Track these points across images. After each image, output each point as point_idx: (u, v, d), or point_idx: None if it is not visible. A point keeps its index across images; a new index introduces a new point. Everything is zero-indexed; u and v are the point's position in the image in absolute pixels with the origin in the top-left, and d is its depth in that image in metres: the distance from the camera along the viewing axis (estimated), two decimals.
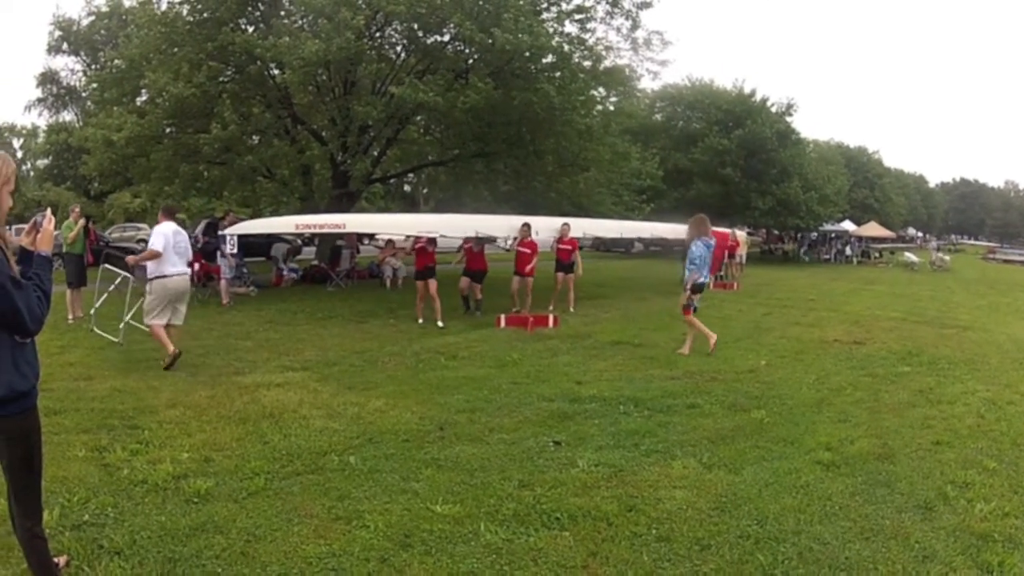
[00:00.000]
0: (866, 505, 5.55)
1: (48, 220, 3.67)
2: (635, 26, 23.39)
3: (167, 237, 10.27)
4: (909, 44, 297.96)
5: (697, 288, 12.09)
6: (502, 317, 14.86)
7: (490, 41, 18.49)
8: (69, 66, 48.14)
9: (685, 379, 10.07)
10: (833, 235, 56.23)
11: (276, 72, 21.27)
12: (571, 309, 17.27)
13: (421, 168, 27.85)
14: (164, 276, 10.26)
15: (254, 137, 23.00)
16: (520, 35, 18.45)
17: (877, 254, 54.36)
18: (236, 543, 4.66)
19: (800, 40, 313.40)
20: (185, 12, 20.67)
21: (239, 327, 13.85)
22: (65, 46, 44.82)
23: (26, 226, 3.72)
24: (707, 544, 4.80)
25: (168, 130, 21.56)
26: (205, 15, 20.45)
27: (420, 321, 14.69)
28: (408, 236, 16.68)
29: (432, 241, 15.17)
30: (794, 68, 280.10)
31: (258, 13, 22.01)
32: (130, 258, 11.72)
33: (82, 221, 14.97)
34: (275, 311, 16.09)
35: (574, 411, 8.19)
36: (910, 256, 46.91)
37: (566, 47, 20.87)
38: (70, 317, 14.22)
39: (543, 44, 19.26)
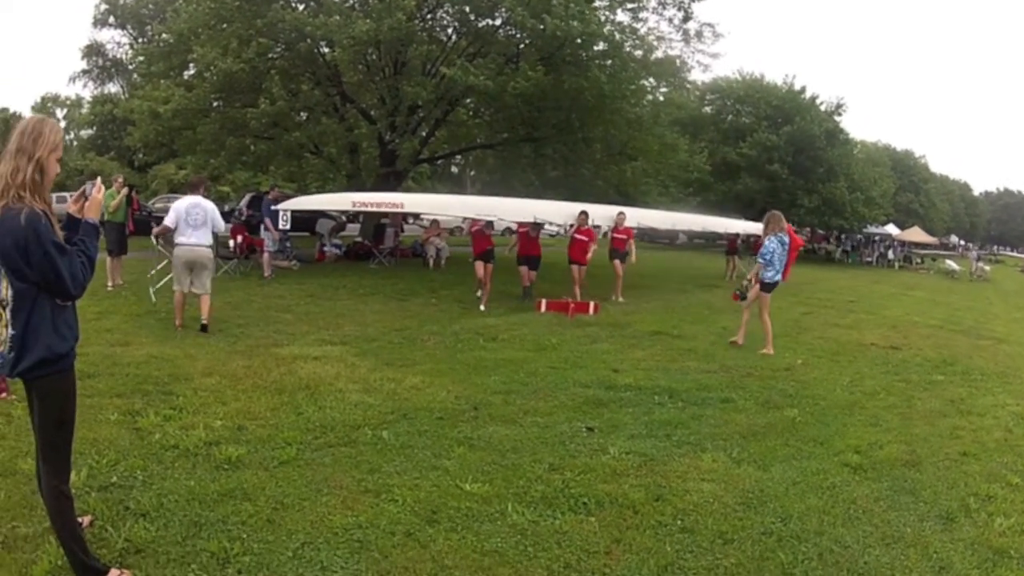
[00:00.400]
0: (889, 511, 5.55)
1: (97, 189, 3.81)
2: (687, 17, 23.53)
3: (178, 212, 10.91)
4: (961, 49, 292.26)
5: (767, 287, 12.12)
6: (543, 301, 14.90)
7: (541, 27, 18.51)
8: (115, 39, 48.89)
9: (721, 373, 10.09)
10: (876, 238, 55.61)
11: (326, 50, 21.39)
12: (619, 298, 17.25)
13: (469, 150, 27.93)
14: (176, 246, 10.99)
15: (302, 114, 23.21)
16: (571, 22, 18.44)
17: (919, 260, 53.65)
18: (263, 510, 4.73)
19: (852, 39, 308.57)
20: None
21: (280, 300, 14.03)
22: (112, 19, 45.43)
23: (70, 194, 3.82)
24: (730, 538, 4.85)
25: (215, 104, 21.78)
26: None
27: (479, 294, 15.06)
28: (465, 218, 16.69)
29: (490, 224, 15.27)
30: (844, 67, 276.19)
31: None
32: (155, 230, 12.28)
33: (125, 190, 15.23)
34: (316, 286, 16.26)
35: (609, 398, 8.26)
36: (951, 264, 46.29)
37: (617, 35, 20.83)
38: (110, 284, 14.36)
39: (594, 31, 19.30)
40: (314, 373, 8.40)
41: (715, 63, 41.22)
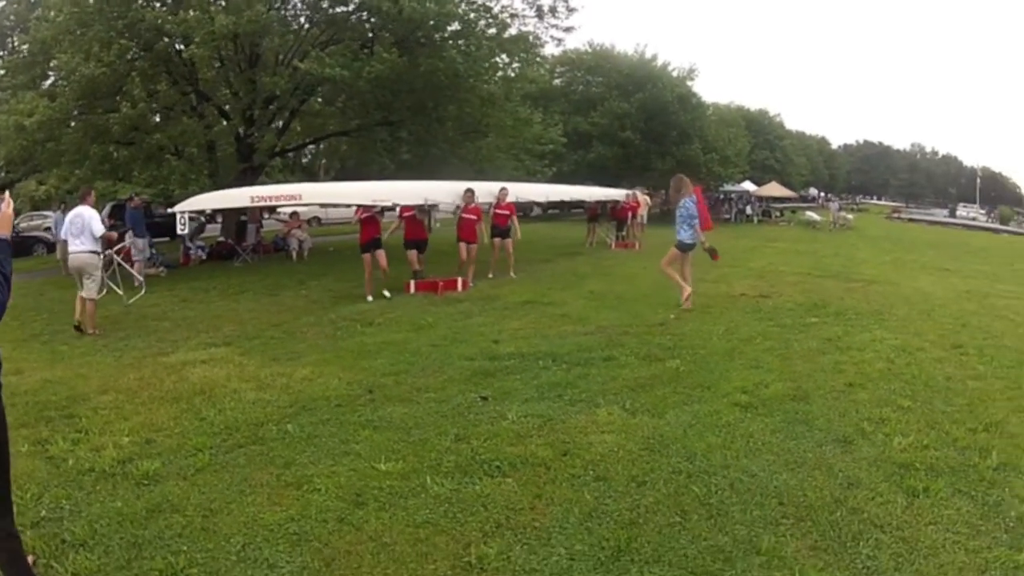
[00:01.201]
0: (787, 441, 5.90)
1: (7, 204, 3.64)
2: None
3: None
4: (814, 7, 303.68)
5: (687, 247, 12.41)
6: (411, 283, 14.98)
7: (398, 11, 18.51)
8: None
9: (598, 334, 10.36)
10: (734, 195, 57.28)
11: (182, 48, 20.87)
12: (512, 274, 17.04)
13: (324, 138, 27.66)
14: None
15: (158, 116, 22.65)
16: (427, 3, 18.53)
17: (778, 213, 55.71)
18: (195, 519, 4.70)
19: (704, 3, 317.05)
20: None
21: (155, 308, 13.73)
22: None
23: None
24: (643, 480, 5.09)
25: (77, 112, 21.05)
26: None
27: (370, 299, 14.02)
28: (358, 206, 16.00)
29: (382, 212, 15.02)
30: (696, 32, 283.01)
31: None
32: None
33: None
34: (187, 289, 16.05)
35: (495, 368, 8.41)
36: (811, 215, 48.27)
37: (471, 15, 20.98)
38: None
39: (449, 12, 19.39)
40: (205, 377, 8.30)
41: (569, 37, 42.07)
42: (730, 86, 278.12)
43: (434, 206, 16.08)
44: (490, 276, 16.72)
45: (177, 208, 14.83)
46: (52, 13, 20.74)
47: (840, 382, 7.76)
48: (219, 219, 27.57)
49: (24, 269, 16.26)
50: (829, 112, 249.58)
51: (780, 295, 14.14)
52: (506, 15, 23.18)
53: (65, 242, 12.40)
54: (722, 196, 58.44)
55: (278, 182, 41.13)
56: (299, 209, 25.65)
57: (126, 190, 28.66)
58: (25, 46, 22.73)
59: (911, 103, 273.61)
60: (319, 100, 24.78)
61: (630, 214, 26.69)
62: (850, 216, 49.70)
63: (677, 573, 3.95)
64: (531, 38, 24.46)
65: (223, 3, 19.58)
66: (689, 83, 48.67)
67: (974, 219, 75.22)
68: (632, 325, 10.96)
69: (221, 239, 25.10)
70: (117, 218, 23.55)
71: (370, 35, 22.37)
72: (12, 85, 22.69)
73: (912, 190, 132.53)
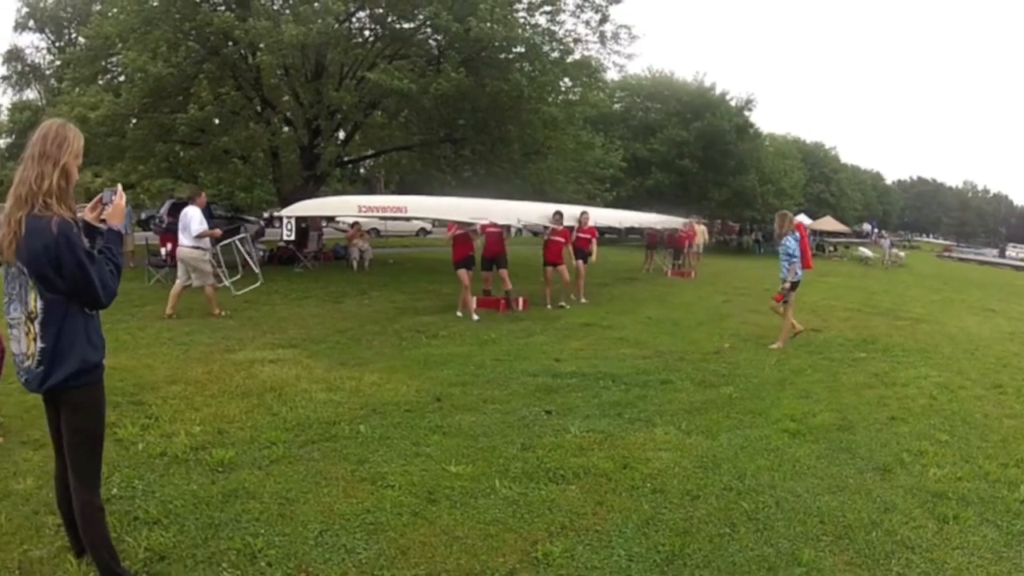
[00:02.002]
0: (831, 466, 6.24)
1: (119, 195, 3.76)
2: (604, 19, 23.92)
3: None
4: (871, 43, 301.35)
5: (794, 285, 12.13)
6: (473, 299, 15.28)
7: (466, 30, 18.95)
8: (34, 43, 47.34)
9: (655, 358, 10.73)
10: None
11: (248, 54, 21.30)
12: (582, 300, 16.95)
13: (388, 152, 28.11)
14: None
15: (225, 119, 23.06)
16: (495, 27, 18.93)
17: (832, 248, 55.28)
18: (271, 506, 4.92)
19: (763, 35, 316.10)
20: None
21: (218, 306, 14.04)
22: (31, 23, 44.13)
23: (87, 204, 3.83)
24: (696, 495, 5.45)
25: (142, 109, 21.49)
26: None
27: (460, 314, 14.03)
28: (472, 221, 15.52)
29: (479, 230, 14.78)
30: (755, 62, 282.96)
31: None
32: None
33: None
34: (250, 291, 16.21)
35: (557, 385, 8.78)
36: (864, 251, 47.74)
37: (536, 39, 21.32)
38: None
39: (516, 35, 19.74)
40: (274, 375, 8.61)
41: (630, 64, 42.11)
42: (787, 117, 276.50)
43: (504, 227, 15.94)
44: (575, 298, 16.75)
45: (284, 212, 14.99)
46: (115, 9, 21.19)
47: (884, 415, 8.07)
48: (278, 224, 28.00)
49: None
50: (884, 147, 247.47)
51: (831, 329, 14.40)
52: (570, 40, 23.57)
53: (126, 235, 13.73)
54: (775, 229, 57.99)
55: (337, 192, 41.81)
56: (360, 220, 26.11)
57: (184, 189, 29.17)
58: (82, 39, 23.18)
59: (964, 140, 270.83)
60: (380, 113, 25.18)
61: (687, 243, 26.88)
62: (902, 253, 49.18)
63: None
64: (593, 63, 24.72)
65: (291, 14, 19.94)
66: (747, 113, 48.62)
67: (1023, 260, 74.05)
68: (688, 351, 11.33)
69: (281, 243, 25.59)
70: (177, 215, 24.08)
71: (436, 52, 22.76)
72: (74, 78, 23.20)
73: (963, 228, 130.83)
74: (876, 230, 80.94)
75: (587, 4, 23.41)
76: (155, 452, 5.83)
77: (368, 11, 22.15)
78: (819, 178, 69.45)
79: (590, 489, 5.47)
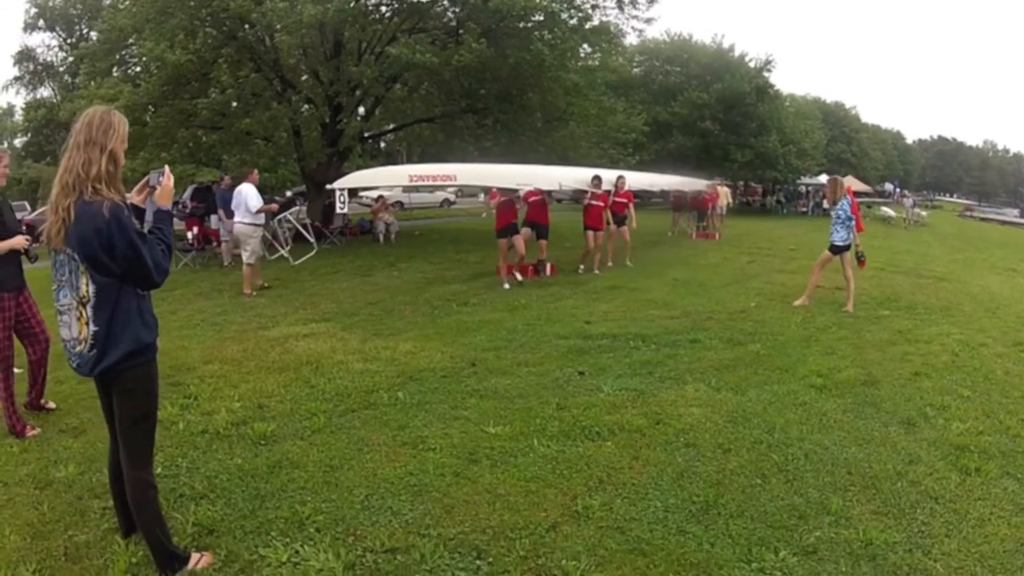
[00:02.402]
0: (856, 420, 6.43)
1: (167, 176, 3.81)
2: None
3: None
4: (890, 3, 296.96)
5: (838, 249, 12.10)
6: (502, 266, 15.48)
7: (487, 2, 19.02)
8: (45, 42, 47.74)
9: (683, 318, 10.92)
10: (810, 188, 56.69)
11: (265, 36, 21.46)
12: (628, 263, 17.18)
13: (412, 124, 28.15)
14: None
15: (246, 101, 23.17)
16: None
17: None
18: (316, 474, 5.07)
19: None
20: None
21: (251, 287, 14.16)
22: (41, 22, 44.46)
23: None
24: (728, 448, 5.66)
25: (162, 97, 21.66)
26: None
27: (507, 286, 13.83)
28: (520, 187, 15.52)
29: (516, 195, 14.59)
30: (773, 23, 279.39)
31: None
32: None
33: None
34: (277, 268, 16.48)
35: (588, 347, 8.99)
36: (886, 211, 47.40)
37: (555, 6, 21.29)
38: None
39: (535, 4, 19.73)
40: (310, 349, 8.76)
41: (649, 28, 41.67)
42: (807, 77, 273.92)
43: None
44: (609, 264, 16.88)
45: (336, 185, 15.08)
46: (128, 2, 21.40)
47: (907, 371, 8.21)
48: (302, 201, 28.16)
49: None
50: (904, 106, 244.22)
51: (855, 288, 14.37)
52: (588, 5, 23.44)
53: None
54: (801, 189, 57.87)
55: (359, 167, 41.97)
56: (384, 193, 26.24)
57: (205, 174, 29.38)
58: (94, 33, 23.25)
59: (984, 99, 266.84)
60: (401, 87, 25.16)
61: (711, 205, 26.88)
62: (924, 213, 48.72)
63: (758, 526, 4.49)
64: (612, 28, 24.65)
65: None
66: (766, 74, 48.15)
67: None
68: (715, 311, 11.49)
69: (306, 221, 25.73)
70: (200, 200, 24.25)
71: (454, 24, 22.77)
72: (90, 72, 23.44)
73: (984, 188, 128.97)
74: (898, 190, 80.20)
75: None
76: (196, 430, 5.97)
77: None
78: (840, 138, 68.87)
79: (625, 445, 5.68)
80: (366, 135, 26.32)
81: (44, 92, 50.65)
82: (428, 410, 6.47)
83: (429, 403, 6.67)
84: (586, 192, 16.00)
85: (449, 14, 23.19)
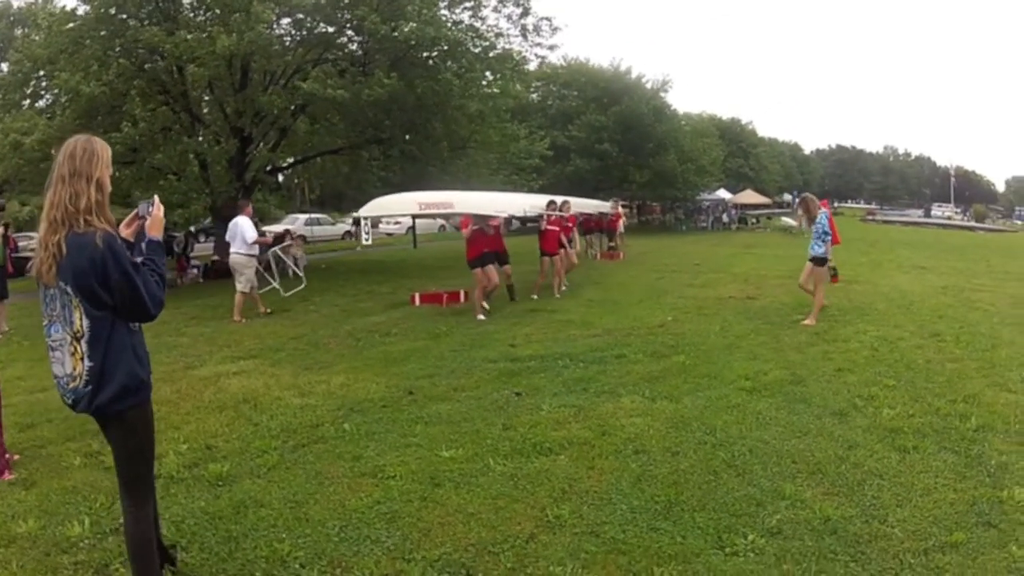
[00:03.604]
0: (791, 416, 6.84)
1: (158, 206, 3.78)
2: (525, 12, 24.46)
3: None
4: (781, 15, 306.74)
5: (822, 261, 11.93)
6: (416, 295, 15.62)
7: (394, 33, 19.20)
8: None
9: (605, 336, 11.24)
10: (707, 204, 58.11)
11: (175, 68, 21.18)
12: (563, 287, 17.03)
13: (318, 156, 27.98)
14: None
15: (158, 136, 22.75)
16: (425, 28, 19.26)
17: (754, 220, 56.55)
18: (283, 511, 5.01)
19: (674, 16, 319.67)
20: (88, 10, 20.21)
21: (167, 325, 13.64)
22: None
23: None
24: (676, 451, 5.96)
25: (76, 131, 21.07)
26: (111, 11, 19.97)
27: (481, 317, 13.34)
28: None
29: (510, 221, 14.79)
30: (669, 45, 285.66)
31: (158, 8, 21.31)
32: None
33: (0, 230, 13.98)
34: (193, 307, 16.22)
35: (519, 368, 9.18)
36: (787, 220, 48.88)
37: (460, 36, 21.57)
38: None
39: (444, 35, 19.99)
40: (244, 386, 8.63)
41: (552, 55, 42.05)
42: (702, 96, 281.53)
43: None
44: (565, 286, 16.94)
45: (360, 213, 14.47)
46: (41, 34, 20.93)
47: (830, 368, 8.73)
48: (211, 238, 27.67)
49: (20, 289, 16.24)
50: (801, 118, 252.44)
51: (766, 297, 15.10)
52: (492, 34, 23.88)
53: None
54: (699, 206, 59.30)
55: (259, 202, 41.50)
56: (290, 227, 26.00)
57: (115, 211, 28.62)
58: (4, 64, 22.65)
59: (882, 106, 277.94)
60: (306, 119, 25.04)
61: (616, 225, 27.40)
62: None
63: (722, 516, 4.78)
64: (516, 56, 25.09)
65: (221, 24, 19.72)
66: (663, 95, 49.69)
67: (949, 218, 76.67)
68: (634, 327, 11.83)
69: (215, 258, 25.24)
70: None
71: (360, 54, 22.88)
72: (4, 103, 22.67)
73: (886, 192, 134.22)
74: (798, 199, 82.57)
75: None
76: None
77: (291, 17, 22.14)
78: (737, 153, 71.20)
79: (578, 457, 5.89)
80: (269, 168, 26.05)
81: None
82: (378, 440, 6.50)
83: (377, 433, 6.70)
84: (543, 217, 16.09)
85: (353, 45, 23.27)
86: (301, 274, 18.45)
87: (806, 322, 11.77)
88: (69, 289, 3.47)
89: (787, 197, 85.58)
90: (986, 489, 5.11)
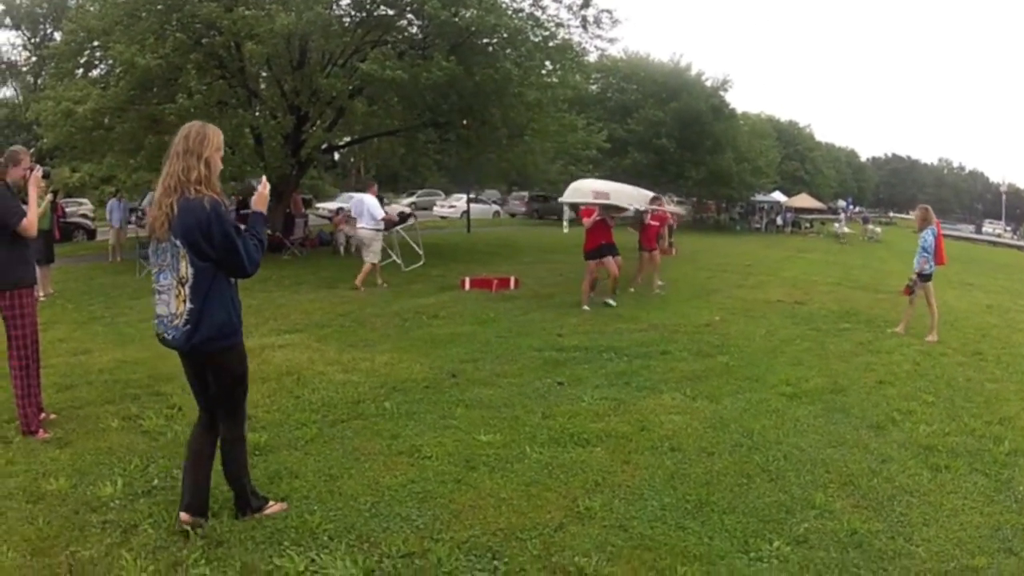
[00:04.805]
0: (828, 424, 6.82)
1: (264, 184, 4.48)
2: (586, 4, 24.24)
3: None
4: (847, 20, 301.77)
5: (927, 277, 11.68)
6: (466, 279, 15.70)
7: (455, 19, 19.28)
8: (11, 41, 47.02)
9: (652, 331, 11.25)
10: (765, 205, 57.68)
11: (233, 44, 21.31)
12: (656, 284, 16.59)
13: (375, 136, 28.10)
14: None
15: (212, 109, 22.94)
16: (486, 14, 19.34)
17: (808, 224, 55.97)
18: (317, 484, 5.08)
19: (738, 15, 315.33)
20: None
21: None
22: (8, 20, 43.80)
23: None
24: (711, 451, 5.97)
25: (130, 101, 21.34)
26: None
27: (587, 308, 13.18)
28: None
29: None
30: (731, 42, 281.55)
31: None
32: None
33: (49, 196, 13.78)
34: (242, 280, 16.27)
35: (563, 358, 9.23)
36: (839, 227, 48.33)
37: (521, 24, 21.56)
38: (41, 294, 13.17)
39: (505, 23, 20.02)
40: (288, 360, 8.73)
41: (612, 47, 41.82)
42: (761, 96, 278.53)
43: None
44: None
45: (564, 199, 14.34)
46: (96, 5, 21.38)
47: (872, 379, 8.68)
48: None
49: (66, 254, 16.53)
50: (858, 124, 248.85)
51: (814, 302, 14.96)
52: (552, 24, 23.79)
53: (119, 229, 17.53)
54: (750, 206, 58.81)
55: (313, 179, 41.81)
56: (344, 206, 26.18)
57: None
58: (57, 34, 22.88)
59: (939, 117, 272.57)
60: (364, 100, 25.12)
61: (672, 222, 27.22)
62: (878, 229, 49.85)
63: (751, 520, 4.78)
64: (575, 47, 25.02)
65: (280, 3, 20.01)
66: (722, 93, 49.26)
67: (999, 236, 75.09)
68: (681, 325, 11.84)
69: (268, 232, 25.43)
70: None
71: (419, 37, 22.97)
72: (59, 71, 23.13)
73: (939, 205, 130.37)
74: (852, 207, 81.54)
75: None
76: (185, 441, 5.61)
77: None
78: (794, 156, 70.15)
79: (614, 450, 5.93)
80: (325, 147, 26.25)
81: (7, 92, 49.82)
82: (417, 419, 6.58)
83: (416, 413, 6.79)
84: (646, 211, 15.73)
85: (413, 28, 23.36)
86: (421, 251, 19.62)
87: (929, 338, 11.43)
88: (178, 243, 4.04)
89: (841, 203, 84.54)
90: (1012, 515, 5.06)
